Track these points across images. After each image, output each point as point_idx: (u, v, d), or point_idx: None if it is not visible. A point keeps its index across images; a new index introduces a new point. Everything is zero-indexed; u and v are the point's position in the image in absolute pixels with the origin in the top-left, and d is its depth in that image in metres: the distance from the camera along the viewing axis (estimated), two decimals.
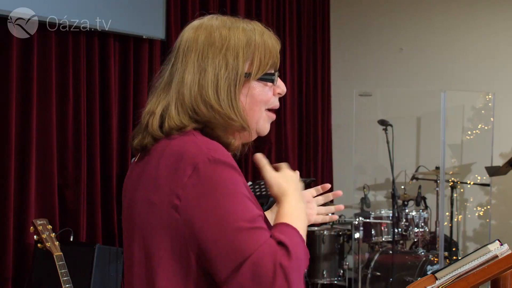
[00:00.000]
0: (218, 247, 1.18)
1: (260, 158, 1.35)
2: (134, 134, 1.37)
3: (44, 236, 2.80)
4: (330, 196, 1.66)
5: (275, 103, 1.42)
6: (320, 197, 1.66)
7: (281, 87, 1.41)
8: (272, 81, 1.37)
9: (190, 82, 1.31)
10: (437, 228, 5.09)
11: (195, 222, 1.20)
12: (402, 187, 5.23)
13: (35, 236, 2.86)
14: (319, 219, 1.64)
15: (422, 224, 5.04)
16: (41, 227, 2.82)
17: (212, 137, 1.30)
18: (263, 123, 1.40)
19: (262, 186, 4.02)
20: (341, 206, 1.72)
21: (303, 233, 1.27)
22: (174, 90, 1.32)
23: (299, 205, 1.31)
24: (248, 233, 1.18)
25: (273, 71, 1.39)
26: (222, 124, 1.30)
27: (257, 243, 1.18)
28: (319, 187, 1.65)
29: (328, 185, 1.66)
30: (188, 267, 1.23)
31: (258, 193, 4.00)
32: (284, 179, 1.34)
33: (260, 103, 1.37)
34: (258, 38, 1.36)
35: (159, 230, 1.24)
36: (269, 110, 1.41)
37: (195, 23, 1.40)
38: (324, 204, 1.68)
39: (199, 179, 1.20)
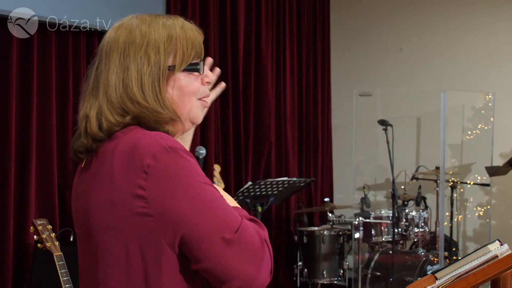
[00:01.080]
0: (206, 227, 1.21)
1: None
2: (73, 140, 1.37)
3: (44, 236, 2.80)
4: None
5: (205, 92, 1.41)
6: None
7: (209, 75, 1.41)
8: (198, 70, 1.37)
9: (115, 82, 1.31)
10: (437, 228, 5.09)
11: (171, 211, 1.21)
12: (402, 187, 5.23)
13: (35, 236, 2.85)
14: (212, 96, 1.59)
15: (422, 224, 5.04)
16: (41, 227, 2.82)
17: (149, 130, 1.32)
18: (195, 111, 1.39)
19: (262, 186, 4.02)
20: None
21: None
22: (102, 92, 1.32)
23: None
24: (226, 210, 1.25)
25: (198, 61, 1.38)
26: (152, 118, 1.31)
27: (238, 217, 1.25)
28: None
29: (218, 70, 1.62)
30: (160, 258, 1.24)
31: (258, 193, 4.00)
32: None
33: (189, 94, 1.36)
34: (179, 31, 1.36)
35: (122, 228, 1.24)
36: (202, 99, 1.41)
37: (116, 23, 1.41)
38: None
39: (161, 167, 1.21)
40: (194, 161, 1.27)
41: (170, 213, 1.21)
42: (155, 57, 1.32)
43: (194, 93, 1.37)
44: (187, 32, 1.37)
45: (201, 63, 1.38)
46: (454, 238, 5.37)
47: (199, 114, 1.40)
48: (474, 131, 5.59)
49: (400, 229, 4.94)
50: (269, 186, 4.05)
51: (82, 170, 1.36)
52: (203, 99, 1.40)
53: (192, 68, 1.36)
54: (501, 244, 1.44)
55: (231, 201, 1.35)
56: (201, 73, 1.38)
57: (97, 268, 1.29)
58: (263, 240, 1.26)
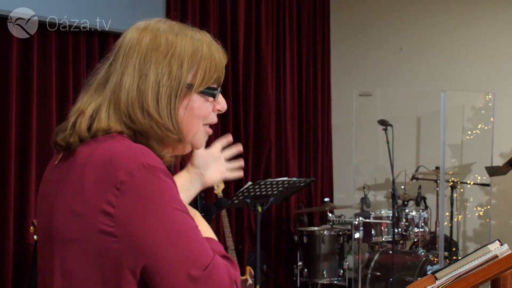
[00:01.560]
0: (173, 260, 1.12)
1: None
2: (58, 130, 1.27)
3: None
4: (234, 150, 1.61)
5: (213, 119, 1.33)
6: (227, 152, 1.60)
7: (221, 103, 1.33)
8: (214, 96, 1.29)
9: (129, 85, 1.22)
10: (437, 228, 5.09)
11: (138, 236, 1.12)
12: (402, 187, 5.23)
13: (35, 236, 2.86)
14: (230, 175, 1.60)
15: (422, 224, 5.04)
16: None
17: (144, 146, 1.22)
18: (199, 138, 1.32)
19: (262, 186, 4.02)
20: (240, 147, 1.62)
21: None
22: (109, 92, 1.24)
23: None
24: (199, 243, 1.15)
25: (216, 86, 1.30)
26: (159, 135, 1.23)
27: (210, 253, 1.16)
28: (223, 141, 1.58)
29: (230, 138, 1.60)
30: (119, 283, 1.14)
31: (258, 193, 4.00)
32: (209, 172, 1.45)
33: (199, 118, 1.28)
34: (206, 49, 1.28)
35: (84, 244, 1.15)
36: (207, 125, 1.33)
37: (141, 24, 1.30)
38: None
39: (136, 186, 1.12)
40: (173, 184, 1.18)
41: (136, 237, 1.12)
42: (177, 70, 1.23)
43: (204, 117, 1.29)
44: (213, 52, 1.29)
45: (219, 89, 1.31)
46: (454, 238, 5.37)
47: (202, 140, 1.33)
48: (474, 131, 5.59)
49: (400, 229, 4.94)
50: (269, 186, 4.05)
51: (55, 167, 1.27)
52: (209, 125, 1.33)
53: (209, 92, 1.28)
54: (501, 244, 1.44)
55: (208, 231, 1.27)
56: (216, 99, 1.30)
57: (52, 277, 1.21)
58: (233, 282, 1.17)
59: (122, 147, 1.17)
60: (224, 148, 1.59)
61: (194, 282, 1.12)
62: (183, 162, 1.42)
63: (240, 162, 1.63)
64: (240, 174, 1.63)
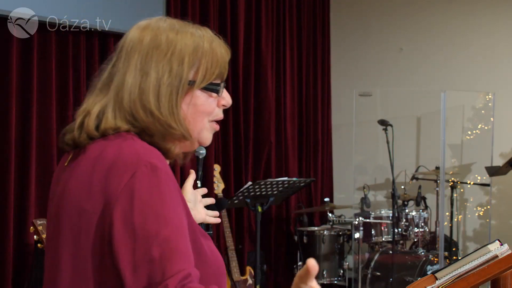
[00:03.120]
0: (133, 260, 1.12)
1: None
2: (65, 131, 1.31)
3: (44, 236, 2.80)
4: (211, 199, 1.70)
5: (219, 115, 1.34)
6: (207, 199, 1.67)
7: (226, 98, 1.34)
8: (217, 91, 1.30)
9: (131, 85, 1.24)
10: (437, 228, 5.09)
11: (135, 226, 1.13)
12: (402, 187, 5.23)
13: (35, 236, 2.86)
14: (209, 220, 1.64)
15: (422, 224, 5.04)
16: (41, 227, 2.82)
17: (150, 143, 1.24)
18: (206, 134, 1.33)
19: (262, 186, 4.02)
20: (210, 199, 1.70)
21: None
22: (113, 92, 1.26)
23: None
24: (177, 251, 1.12)
25: (219, 81, 1.31)
26: (162, 132, 1.24)
27: (183, 266, 1.12)
28: (204, 188, 1.67)
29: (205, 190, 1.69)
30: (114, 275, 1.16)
31: (258, 193, 4.00)
32: None
33: (203, 114, 1.30)
34: (207, 45, 1.29)
35: (90, 239, 1.18)
36: (213, 121, 1.34)
37: (142, 23, 1.32)
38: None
39: (138, 188, 1.14)
40: (173, 187, 1.19)
41: (133, 226, 1.13)
42: (178, 68, 1.25)
43: (208, 113, 1.31)
44: (214, 48, 1.30)
45: (222, 84, 1.32)
46: (454, 238, 5.36)
47: (208, 137, 1.34)
48: (474, 131, 5.59)
49: (400, 229, 4.94)
50: (269, 186, 4.05)
51: (66, 168, 1.30)
52: (215, 122, 1.34)
53: (212, 88, 1.29)
54: (501, 244, 1.44)
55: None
56: (220, 94, 1.32)
57: (60, 271, 1.23)
58: None
59: (129, 148, 1.19)
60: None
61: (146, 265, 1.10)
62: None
63: (216, 213, 1.69)
64: (218, 221, 1.68)
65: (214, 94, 1.30)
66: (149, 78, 1.24)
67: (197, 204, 1.61)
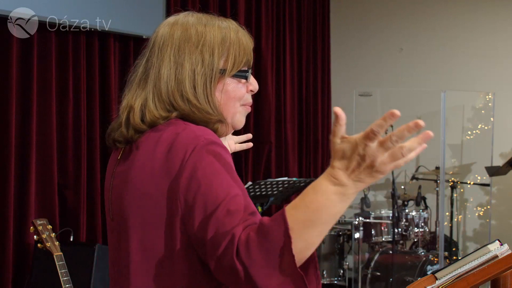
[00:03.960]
0: (205, 218, 1.18)
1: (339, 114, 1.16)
2: (112, 128, 1.39)
3: (44, 236, 2.80)
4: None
5: (249, 100, 1.44)
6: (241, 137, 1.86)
7: (253, 84, 1.43)
8: (246, 78, 1.39)
9: (167, 76, 1.33)
10: (437, 228, 5.09)
11: (198, 194, 1.20)
12: (402, 187, 5.23)
13: (35, 236, 2.85)
14: (238, 147, 1.82)
15: (422, 224, 5.04)
16: (41, 227, 2.82)
17: None
18: (239, 117, 1.42)
19: (262, 186, 4.02)
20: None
21: (304, 228, 1.10)
22: (151, 85, 1.34)
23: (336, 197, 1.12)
24: (235, 201, 1.18)
25: (246, 68, 1.40)
26: (201, 118, 1.32)
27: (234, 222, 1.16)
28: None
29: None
30: (184, 249, 1.24)
31: (258, 193, 4.00)
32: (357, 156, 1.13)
33: (234, 99, 1.39)
34: (233, 36, 1.38)
35: (158, 221, 1.25)
36: (244, 105, 1.44)
37: (171, 19, 1.41)
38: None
39: (197, 160, 1.21)
40: (230, 157, 1.27)
41: (195, 195, 1.20)
42: (209, 58, 1.34)
43: (239, 98, 1.40)
44: (240, 38, 1.39)
45: (249, 71, 1.41)
46: (454, 238, 5.36)
47: (242, 120, 1.43)
48: (474, 131, 5.59)
49: (400, 229, 4.94)
50: (269, 186, 4.05)
51: (119, 161, 1.38)
52: (246, 105, 1.43)
53: (241, 75, 1.38)
54: (501, 244, 1.44)
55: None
56: (248, 80, 1.41)
57: (129, 255, 1.29)
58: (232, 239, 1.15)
59: (185, 129, 1.27)
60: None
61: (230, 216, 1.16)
62: None
63: (243, 137, 1.88)
64: (246, 146, 1.90)
65: (243, 80, 1.39)
66: (184, 69, 1.33)
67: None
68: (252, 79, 1.42)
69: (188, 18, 1.39)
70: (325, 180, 1.11)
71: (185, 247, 1.23)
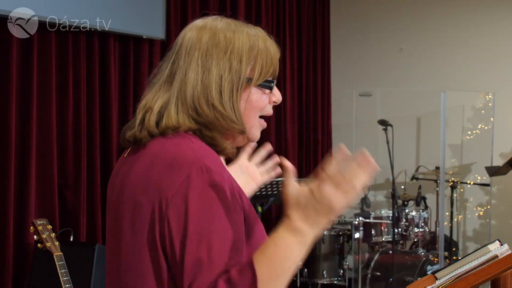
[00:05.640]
0: (186, 257, 1.16)
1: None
2: (126, 127, 1.36)
3: (44, 236, 2.81)
4: (263, 154, 1.74)
5: (269, 111, 1.40)
6: (255, 158, 1.73)
7: (277, 95, 1.40)
8: (271, 88, 1.36)
9: (193, 80, 1.29)
10: (437, 228, 5.09)
11: (168, 226, 1.18)
12: (402, 187, 5.23)
13: (35, 236, 2.86)
14: (265, 178, 1.73)
15: (422, 224, 5.04)
16: (41, 227, 2.82)
17: (208, 139, 1.30)
18: (255, 131, 1.38)
19: (262, 186, 4.02)
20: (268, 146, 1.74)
21: (270, 281, 1.15)
22: (176, 88, 1.31)
23: (301, 247, 1.18)
24: (219, 253, 1.16)
25: (271, 79, 1.37)
26: (224, 126, 1.29)
27: (213, 272, 1.15)
28: (248, 149, 1.70)
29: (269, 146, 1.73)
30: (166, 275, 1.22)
31: (258, 193, 4.00)
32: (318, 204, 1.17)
33: (256, 109, 1.35)
34: (262, 44, 1.35)
35: (144, 231, 1.23)
36: (262, 117, 1.40)
37: (199, 22, 1.38)
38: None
39: (191, 189, 1.18)
40: (226, 186, 1.22)
41: (170, 233, 1.18)
42: (237, 65, 1.30)
43: (261, 109, 1.36)
44: (268, 47, 1.36)
45: (274, 81, 1.38)
46: (454, 238, 5.37)
47: (257, 134, 1.39)
48: (474, 131, 5.59)
49: (400, 229, 4.94)
50: (269, 186, 4.05)
51: (125, 160, 1.35)
52: (264, 118, 1.40)
53: (267, 85, 1.35)
54: (501, 244, 1.44)
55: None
56: (272, 91, 1.37)
57: (120, 263, 1.29)
58: None
59: (186, 148, 1.24)
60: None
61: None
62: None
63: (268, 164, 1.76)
64: (275, 174, 1.76)
65: (267, 91, 1.36)
66: (211, 75, 1.29)
67: (245, 176, 1.68)
68: (275, 90, 1.39)
69: (216, 23, 1.36)
70: (284, 232, 1.17)
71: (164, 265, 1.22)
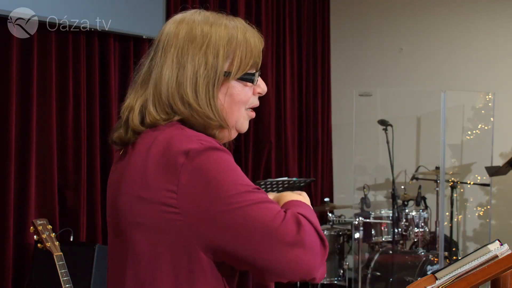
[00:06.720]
0: (242, 232, 1.16)
1: None
2: (114, 128, 1.36)
3: (44, 236, 2.80)
4: None
5: (255, 103, 1.38)
6: None
7: (261, 86, 1.38)
8: (252, 81, 1.34)
9: (168, 78, 1.28)
10: (437, 228, 5.09)
11: (202, 213, 1.17)
12: (402, 187, 5.23)
13: (35, 236, 2.85)
14: None
15: (422, 224, 5.04)
16: (41, 227, 2.82)
17: (194, 129, 1.29)
18: (242, 122, 1.36)
19: (262, 186, 4.02)
20: None
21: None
22: (152, 86, 1.30)
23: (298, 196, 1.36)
24: (262, 206, 1.20)
25: (254, 71, 1.35)
26: (201, 123, 1.28)
27: (274, 212, 1.21)
28: None
29: None
30: (193, 264, 1.20)
31: None
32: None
33: (239, 103, 1.33)
34: (240, 36, 1.32)
35: (150, 227, 1.22)
36: (249, 109, 1.38)
37: (177, 17, 1.36)
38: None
39: (194, 169, 1.18)
40: (231, 159, 1.23)
41: (200, 215, 1.17)
42: (213, 60, 1.28)
43: (244, 102, 1.34)
44: (248, 39, 1.33)
45: (257, 73, 1.35)
46: (454, 238, 5.36)
47: (245, 124, 1.37)
48: (474, 131, 5.59)
49: (400, 229, 4.94)
50: (269, 186, 4.05)
51: (119, 158, 1.35)
52: (251, 109, 1.38)
53: (247, 78, 1.33)
54: (501, 244, 1.44)
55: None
56: (255, 83, 1.35)
57: (126, 263, 1.27)
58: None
59: (180, 134, 1.23)
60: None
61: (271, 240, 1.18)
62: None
63: None
64: None
65: (250, 84, 1.34)
66: (186, 71, 1.28)
67: None
68: (260, 81, 1.37)
69: (195, 17, 1.34)
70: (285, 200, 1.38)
71: (181, 253, 1.21)
